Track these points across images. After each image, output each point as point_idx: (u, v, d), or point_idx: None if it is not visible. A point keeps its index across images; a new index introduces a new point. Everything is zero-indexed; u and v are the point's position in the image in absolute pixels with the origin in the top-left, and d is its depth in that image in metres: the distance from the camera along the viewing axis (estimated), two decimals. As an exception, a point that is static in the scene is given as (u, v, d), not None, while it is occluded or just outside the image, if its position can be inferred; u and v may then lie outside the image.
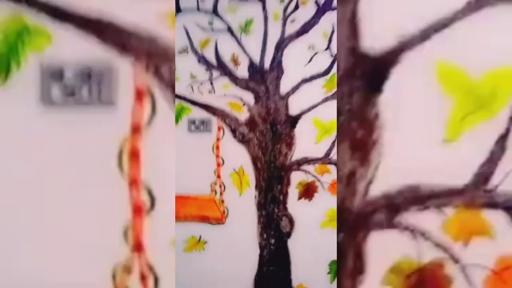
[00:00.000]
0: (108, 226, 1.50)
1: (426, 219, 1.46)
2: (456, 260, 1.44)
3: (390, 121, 1.52)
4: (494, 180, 1.44)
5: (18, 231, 1.48)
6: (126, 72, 1.43)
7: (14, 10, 1.41)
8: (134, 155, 1.43)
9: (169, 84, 1.42)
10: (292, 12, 3.32)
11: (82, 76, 1.42)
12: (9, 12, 1.41)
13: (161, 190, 1.54)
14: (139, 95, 1.41)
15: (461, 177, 1.45)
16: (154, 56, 1.42)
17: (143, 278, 1.58)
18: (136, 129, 1.41)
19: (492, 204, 1.42)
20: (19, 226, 1.47)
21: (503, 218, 1.44)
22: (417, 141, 1.52)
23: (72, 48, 1.42)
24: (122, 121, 1.42)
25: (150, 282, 1.60)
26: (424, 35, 1.43)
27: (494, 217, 1.44)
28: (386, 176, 1.58)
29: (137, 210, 1.44)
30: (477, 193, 1.42)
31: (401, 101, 1.47)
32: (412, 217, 1.46)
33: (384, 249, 1.49)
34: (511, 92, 1.40)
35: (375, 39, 1.45)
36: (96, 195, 1.47)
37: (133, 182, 1.44)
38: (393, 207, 1.47)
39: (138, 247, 1.49)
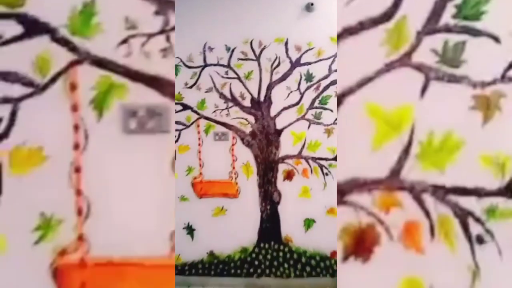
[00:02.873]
0: (164, 207, 1.52)
1: (363, 198, 1.48)
2: (381, 223, 1.48)
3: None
4: (402, 173, 1.47)
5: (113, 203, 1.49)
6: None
7: (105, 73, 1.48)
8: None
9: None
10: (276, 67, 4.05)
11: (149, 114, 1.50)
12: (102, 74, 1.47)
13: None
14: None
15: (383, 172, 1.48)
16: None
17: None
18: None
19: (402, 188, 1.46)
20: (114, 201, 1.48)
21: (408, 196, 1.47)
22: (353, 150, 1.51)
23: (142, 96, 1.49)
24: (173, 141, 1.48)
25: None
26: (359, 85, 1.48)
27: (403, 196, 1.46)
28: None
29: None
30: (392, 182, 1.47)
31: (344, 126, 1.48)
32: (354, 197, 1.49)
33: (338, 217, 1.53)
34: (411, 119, 1.46)
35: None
36: (158, 185, 1.51)
37: None
38: (341, 191, 1.50)
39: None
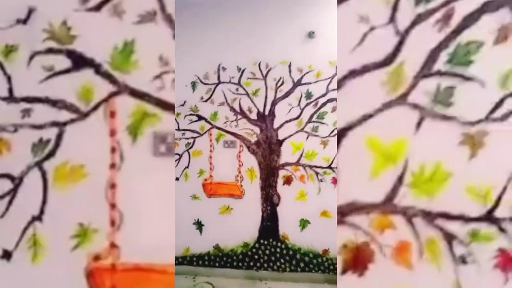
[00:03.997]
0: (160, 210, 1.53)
1: (360, 219, 1.49)
2: (376, 242, 1.50)
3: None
4: (396, 199, 1.48)
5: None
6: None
7: (139, 103, 1.50)
8: None
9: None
10: (280, 86, 4.08)
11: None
12: (137, 104, 1.49)
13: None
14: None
15: (379, 197, 1.49)
16: None
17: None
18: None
19: (395, 212, 1.47)
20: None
21: (400, 219, 1.47)
22: (353, 177, 1.51)
23: (172, 123, 1.50)
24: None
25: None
26: (360, 121, 1.48)
27: (396, 219, 1.47)
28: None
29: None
30: (387, 206, 1.48)
31: (349, 157, 1.50)
32: (353, 218, 1.49)
33: (338, 235, 1.53)
34: (405, 152, 1.47)
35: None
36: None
37: None
38: (341, 212, 1.51)
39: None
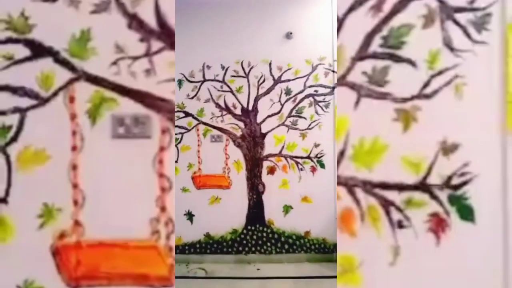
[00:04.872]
0: (146, 198, 1.52)
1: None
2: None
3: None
4: (339, 171, 1.48)
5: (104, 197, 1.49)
6: (156, 119, 1.49)
7: (98, 88, 1.48)
8: (160, 162, 1.49)
9: (173, 124, 1.45)
10: (261, 83, 4.12)
11: (134, 122, 1.49)
12: (95, 90, 1.47)
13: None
14: (163, 131, 1.42)
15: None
16: (165, 111, 1.42)
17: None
18: (161, 149, 1.43)
19: (338, 183, 1.46)
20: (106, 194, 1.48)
21: (343, 189, 1.46)
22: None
23: (129, 107, 1.48)
24: (154, 145, 1.48)
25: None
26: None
27: (339, 189, 1.46)
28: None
29: (162, 189, 1.49)
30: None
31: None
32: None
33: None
34: (346, 128, 1.47)
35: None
36: (141, 182, 1.51)
37: (160, 175, 1.50)
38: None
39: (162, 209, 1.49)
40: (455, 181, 1.48)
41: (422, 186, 1.48)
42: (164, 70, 1.49)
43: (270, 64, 4.11)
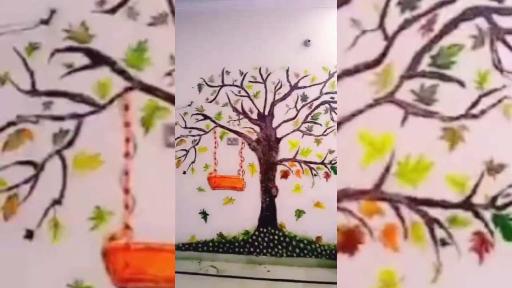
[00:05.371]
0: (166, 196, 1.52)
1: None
2: (365, 225, 1.48)
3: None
4: (383, 187, 1.47)
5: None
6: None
7: (151, 98, 1.49)
8: None
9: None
10: (278, 89, 4.10)
11: None
12: (149, 99, 1.48)
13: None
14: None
15: (368, 185, 1.48)
16: None
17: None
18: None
19: (382, 199, 1.46)
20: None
21: (387, 205, 1.46)
22: (347, 166, 1.50)
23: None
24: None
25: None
26: (353, 115, 1.47)
27: (383, 205, 1.46)
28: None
29: None
30: (375, 193, 1.47)
31: (344, 148, 1.47)
32: (345, 204, 1.48)
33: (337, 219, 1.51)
34: (392, 145, 1.46)
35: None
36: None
37: None
38: (338, 198, 1.50)
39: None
40: (500, 201, 1.47)
41: (467, 205, 1.47)
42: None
43: (287, 70, 4.10)
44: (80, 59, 1.48)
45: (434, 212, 1.48)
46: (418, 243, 1.49)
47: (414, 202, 1.49)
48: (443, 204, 1.47)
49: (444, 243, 1.48)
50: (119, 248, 1.51)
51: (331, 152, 4.06)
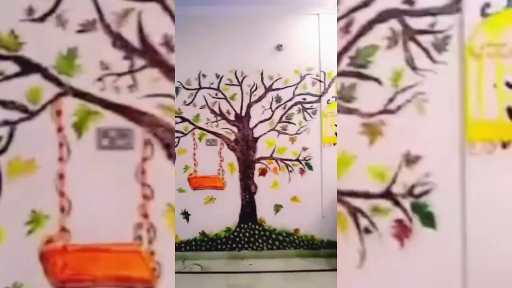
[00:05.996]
0: (128, 206, 1.50)
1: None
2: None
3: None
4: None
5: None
6: (139, 132, 1.48)
7: (83, 103, 1.47)
8: (143, 172, 1.48)
9: (170, 132, 1.44)
10: (254, 91, 4.14)
11: (118, 135, 1.49)
12: (81, 104, 1.46)
13: (161, 187, 1.50)
14: (145, 143, 1.41)
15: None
16: (153, 125, 1.40)
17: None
18: (143, 159, 1.42)
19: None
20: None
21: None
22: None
23: (113, 120, 1.47)
24: (137, 156, 1.47)
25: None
26: None
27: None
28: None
29: (144, 197, 1.48)
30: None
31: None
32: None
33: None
34: None
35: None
36: (124, 190, 1.50)
37: (143, 184, 1.49)
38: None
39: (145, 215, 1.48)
40: (418, 190, 1.50)
41: (387, 195, 1.49)
42: (146, 85, 1.48)
43: (262, 73, 4.13)
44: (11, 67, 1.46)
45: (357, 202, 1.49)
46: (343, 232, 1.50)
47: (339, 194, 1.50)
48: (366, 195, 1.48)
49: (367, 231, 1.50)
50: (57, 251, 1.50)
51: (305, 149, 4.10)
